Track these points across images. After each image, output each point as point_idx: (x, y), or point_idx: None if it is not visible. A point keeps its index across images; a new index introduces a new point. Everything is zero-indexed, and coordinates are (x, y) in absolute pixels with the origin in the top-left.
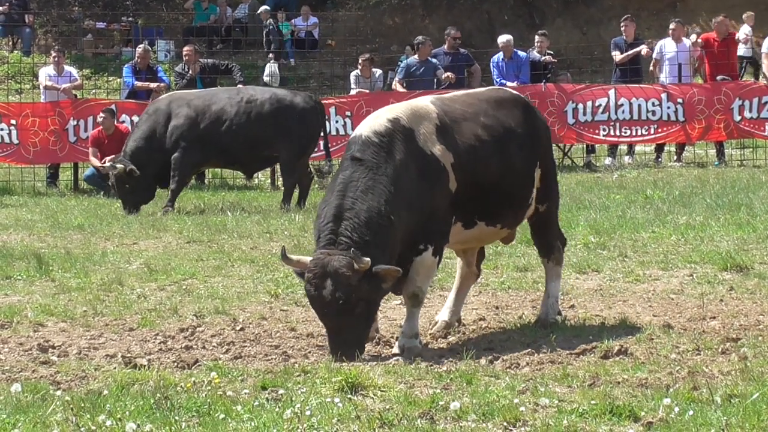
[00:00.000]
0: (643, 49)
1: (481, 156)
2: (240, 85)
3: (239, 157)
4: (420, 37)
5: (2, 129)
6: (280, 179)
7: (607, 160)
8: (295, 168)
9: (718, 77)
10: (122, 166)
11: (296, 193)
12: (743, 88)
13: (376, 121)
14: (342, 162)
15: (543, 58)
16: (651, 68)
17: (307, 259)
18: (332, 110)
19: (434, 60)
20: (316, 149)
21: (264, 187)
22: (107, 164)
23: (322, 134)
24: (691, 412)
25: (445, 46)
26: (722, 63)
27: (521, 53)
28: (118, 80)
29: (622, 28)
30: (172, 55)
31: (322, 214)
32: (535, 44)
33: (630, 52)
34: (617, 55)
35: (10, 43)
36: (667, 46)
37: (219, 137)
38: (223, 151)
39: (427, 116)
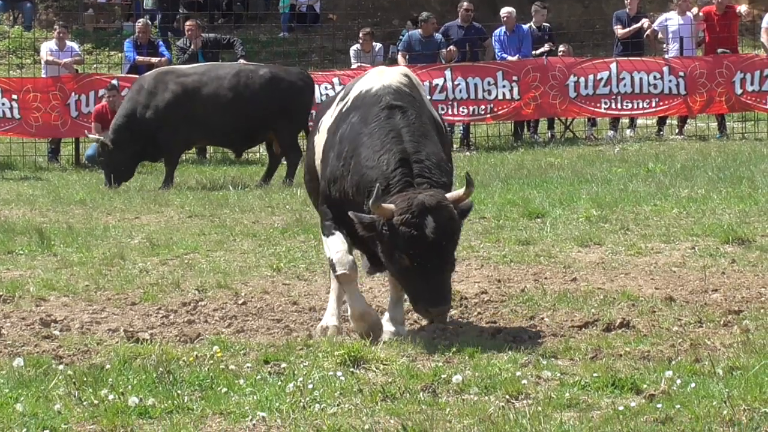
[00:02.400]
0: (645, 22)
1: None
2: (241, 60)
3: (230, 137)
4: (425, 14)
5: (3, 104)
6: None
7: (609, 133)
8: (297, 144)
9: (719, 50)
10: (97, 137)
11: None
12: (745, 61)
13: (394, 75)
14: (371, 111)
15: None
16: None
17: (391, 205)
18: (335, 80)
19: (438, 35)
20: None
21: (266, 161)
22: (91, 135)
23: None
24: (693, 385)
25: (459, 20)
26: (723, 36)
27: (524, 26)
28: (120, 55)
29: (626, 2)
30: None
31: (379, 162)
32: (532, 15)
33: (632, 27)
34: (619, 29)
35: (11, 18)
36: (671, 18)
37: (210, 117)
38: (214, 131)
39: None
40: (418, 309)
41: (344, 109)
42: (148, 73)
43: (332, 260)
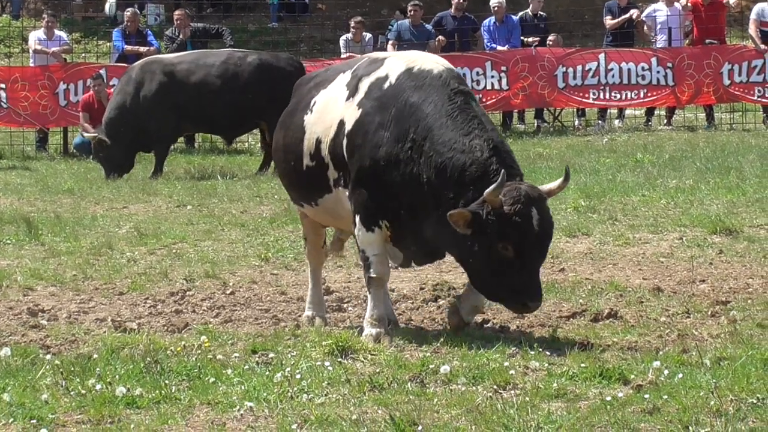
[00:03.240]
0: (634, 13)
1: None
2: (230, 50)
3: (221, 125)
4: (411, 3)
5: None
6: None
7: (598, 123)
8: None
9: (706, 41)
10: (93, 134)
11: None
12: (732, 52)
13: (441, 60)
14: (441, 93)
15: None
16: (639, 27)
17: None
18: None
19: (429, 26)
20: None
21: (254, 151)
22: (86, 135)
23: None
24: (680, 375)
25: (452, 10)
26: (710, 27)
27: (513, 17)
28: (108, 44)
29: None
30: (162, 19)
31: (471, 147)
32: (529, 2)
33: (621, 18)
34: (608, 20)
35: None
36: (659, 8)
37: (199, 105)
38: (204, 119)
39: None
40: (514, 303)
41: (384, 88)
42: (136, 63)
43: (370, 259)
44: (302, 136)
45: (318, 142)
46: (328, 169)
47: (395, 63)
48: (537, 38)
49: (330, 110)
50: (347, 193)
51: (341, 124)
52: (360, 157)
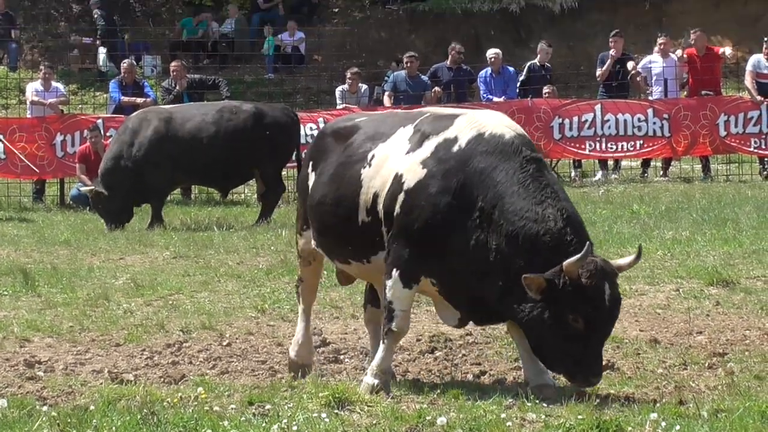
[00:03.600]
0: (630, 64)
1: None
2: (226, 97)
3: (215, 176)
4: (407, 54)
5: None
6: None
7: (598, 175)
8: (280, 180)
9: (702, 92)
10: (90, 188)
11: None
12: (728, 103)
13: (513, 124)
14: (512, 161)
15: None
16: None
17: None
18: (320, 120)
19: (425, 77)
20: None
21: (250, 202)
22: (84, 189)
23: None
24: (677, 427)
25: (448, 61)
26: (706, 78)
27: (510, 68)
28: (105, 95)
29: (611, 44)
30: (159, 70)
31: (544, 216)
32: (537, 53)
33: (605, 66)
34: (598, 70)
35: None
36: (654, 60)
37: (193, 157)
38: (198, 171)
39: None
40: (576, 376)
41: (453, 151)
42: (133, 114)
43: (395, 313)
44: (358, 190)
45: (375, 196)
46: (382, 225)
47: (465, 125)
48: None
49: (388, 164)
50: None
51: (398, 177)
52: (416, 217)
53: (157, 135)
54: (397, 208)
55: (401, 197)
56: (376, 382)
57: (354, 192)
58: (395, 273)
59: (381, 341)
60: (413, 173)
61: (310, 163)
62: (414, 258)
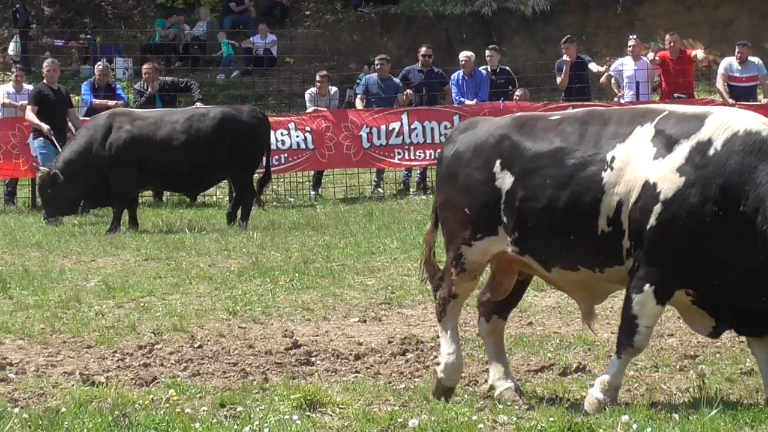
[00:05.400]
0: (591, 65)
1: None
2: (198, 103)
3: (183, 181)
4: (379, 57)
5: None
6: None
7: None
8: (251, 184)
9: (674, 95)
10: (47, 169)
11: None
12: (699, 104)
13: (765, 119)
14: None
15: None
16: (603, 81)
17: None
18: (291, 126)
19: (397, 80)
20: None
21: (222, 204)
22: (41, 168)
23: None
24: (649, 429)
25: (419, 64)
26: (678, 81)
27: (482, 70)
28: (77, 98)
29: (563, 50)
30: (131, 73)
31: None
32: (486, 59)
33: (563, 74)
34: (558, 78)
35: None
36: (626, 63)
37: (162, 161)
38: (165, 175)
39: None
40: None
41: (710, 155)
42: (103, 113)
43: (640, 329)
44: (599, 196)
45: (619, 205)
46: (625, 237)
47: (717, 125)
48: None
49: (633, 169)
50: (633, 262)
51: (651, 187)
52: (677, 231)
53: (128, 138)
54: (652, 221)
55: (657, 209)
56: (603, 398)
57: (593, 197)
58: (648, 288)
59: (616, 356)
60: (669, 182)
61: (497, 161)
62: (672, 272)
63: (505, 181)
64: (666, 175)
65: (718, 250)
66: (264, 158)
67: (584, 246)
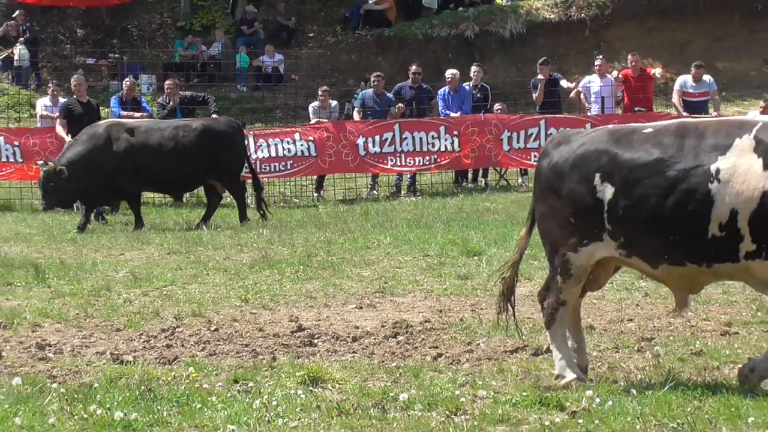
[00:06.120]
0: (562, 82)
1: None
2: (214, 115)
3: (170, 186)
4: (374, 74)
5: (7, 149)
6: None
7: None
8: (240, 183)
9: (635, 109)
10: (53, 164)
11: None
12: (659, 118)
13: None
14: None
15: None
16: (572, 96)
17: None
18: (297, 135)
19: (390, 94)
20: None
21: (235, 205)
22: (40, 162)
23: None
24: (610, 402)
25: (409, 81)
26: (639, 96)
27: (465, 86)
28: (106, 110)
29: (538, 70)
30: (154, 88)
31: None
32: (471, 75)
33: (538, 91)
34: (534, 95)
35: (10, 77)
36: (593, 80)
37: (153, 169)
38: (156, 180)
39: None
40: None
41: None
42: (101, 122)
43: None
44: (709, 207)
45: (734, 213)
46: (742, 241)
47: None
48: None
49: (744, 180)
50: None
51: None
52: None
53: (129, 149)
54: None
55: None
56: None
57: (702, 207)
58: None
59: None
60: (745, 186)
61: (597, 174)
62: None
63: (606, 192)
64: None
65: None
66: (247, 166)
67: (694, 247)
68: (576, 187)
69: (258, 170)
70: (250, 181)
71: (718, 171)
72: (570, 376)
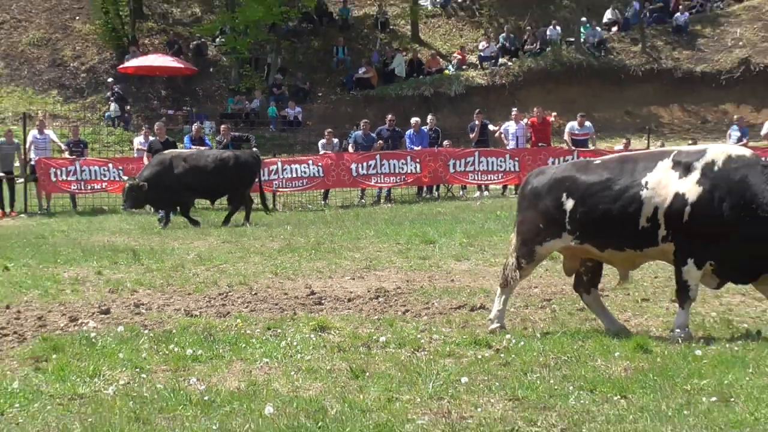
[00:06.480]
0: (490, 127)
1: None
2: (254, 148)
3: (210, 194)
4: (363, 121)
5: (114, 172)
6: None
7: (477, 194)
8: (249, 197)
9: (539, 144)
10: (137, 181)
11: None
12: (555, 150)
13: (746, 149)
14: (755, 170)
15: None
16: (496, 136)
17: None
18: (310, 162)
19: (373, 135)
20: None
21: (261, 209)
22: (126, 178)
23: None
24: (522, 343)
25: (387, 126)
26: (541, 136)
27: (424, 129)
28: (181, 145)
29: (474, 118)
30: (214, 130)
31: None
32: (428, 122)
33: (474, 132)
34: (471, 135)
35: (115, 123)
36: (510, 125)
37: (201, 182)
38: (200, 191)
39: None
40: None
41: (715, 170)
42: (166, 151)
43: (691, 287)
44: (640, 207)
45: (655, 209)
46: (660, 228)
47: (716, 152)
48: (448, 142)
49: (664, 186)
50: (673, 246)
51: (679, 195)
52: (703, 222)
53: (185, 171)
54: (686, 217)
55: (688, 209)
56: (681, 332)
57: (636, 207)
58: (692, 262)
59: (680, 308)
60: (692, 191)
61: (564, 193)
62: (705, 249)
63: (569, 204)
64: (689, 187)
65: (731, 232)
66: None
67: (630, 235)
68: (549, 204)
69: (283, 186)
70: (256, 192)
71: (647, 182)
72: (497, 324)
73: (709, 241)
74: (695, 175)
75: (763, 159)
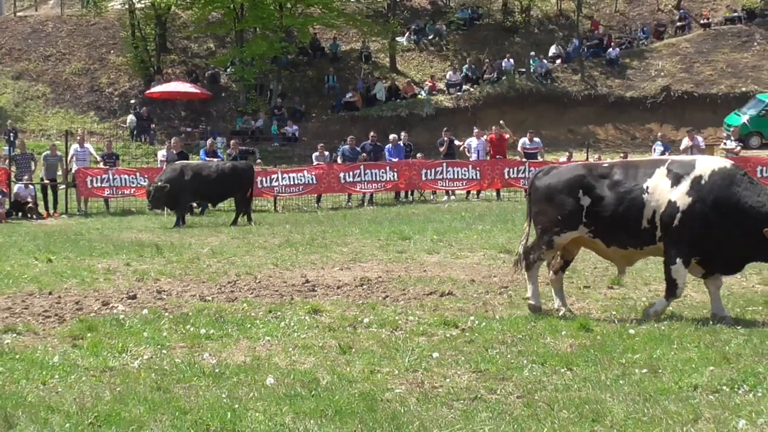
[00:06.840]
0: (456, 142)
1: None
2: (259, 160)
3: (213, 198)
4: (350, 137)
5: (140, 179)
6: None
7: (446, 198)
8: (248, 201)
9: (497, 157)
10: (160, 183)
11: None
12: (510, 162)
13: (728, 161)
14: (736, 178)
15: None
16: (461, 150)
17: None
18: (305, 172)
19: (359, 149)
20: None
21: (270, 210)
22: (146, 182)
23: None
24: (484, 323)
25: (369, 141)
26: (498, 150)
27: (401, 143)
28: (196, 157)
29: (443, 135)
30: (225, 145)
31: (764, 201)
32: (402, 138)
33: (443, 147)
34: (440, 149)
35: (143, 139)
36: (473, 141)
37: (204, 188)
38: (205, 195)
39: None
40: None
41: (702, 183)
42: (178, 162)
43: (678, 284)
44: (642, 209)
45: (654, 212)
46: (658, 230)
47: (704, 165)
48: (421, 155)
49: (661, 193)
50: (665, 245)
51: (673, 203)
52: (690, 226)
53: (193, 177)
54: (676, 222)
55: (679, 215)
56: (652, 316)
57: (639, 209)
58: (679, 260)
59: (665, 298)
60: (682, 200)
61: (580, 191)
62: (691, 249)
63: (585, 200)
64: (681, 196)
65: (716, 234)
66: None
67: (632, 234)
68: (565, 198)
69: (283, 192)
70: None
71: (647, 187)
72: (534, 301)
73: (695, 242)
74: (685, 186)
75: (742, 170)
